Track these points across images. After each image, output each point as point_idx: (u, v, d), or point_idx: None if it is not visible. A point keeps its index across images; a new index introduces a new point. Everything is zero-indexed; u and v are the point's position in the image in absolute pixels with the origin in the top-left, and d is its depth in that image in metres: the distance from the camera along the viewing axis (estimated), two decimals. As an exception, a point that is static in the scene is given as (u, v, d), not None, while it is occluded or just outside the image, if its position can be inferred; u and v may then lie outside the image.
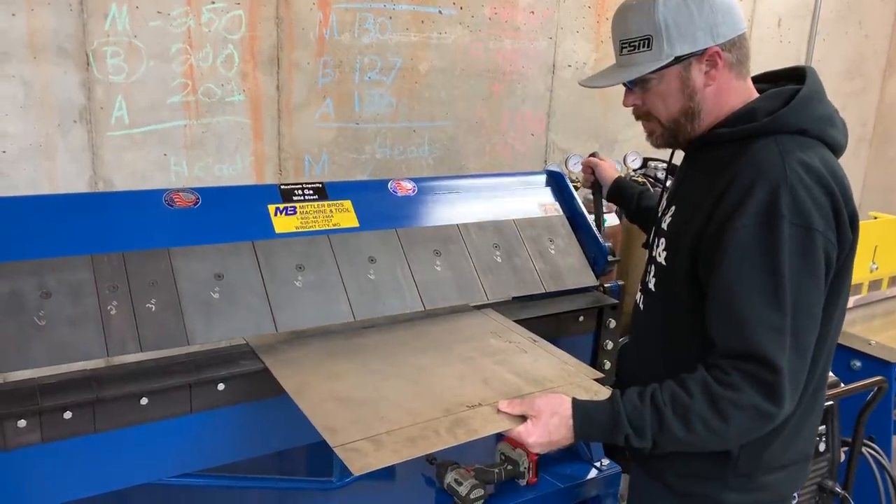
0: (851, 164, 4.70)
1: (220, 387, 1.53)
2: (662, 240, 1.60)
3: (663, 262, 1.58)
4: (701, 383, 1.38)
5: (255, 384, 1.56)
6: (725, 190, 1.41)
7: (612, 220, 3.04)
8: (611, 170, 2.25)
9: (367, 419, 1.38)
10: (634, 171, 3.23)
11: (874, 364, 2.50)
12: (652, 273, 1.64)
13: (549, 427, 1.42)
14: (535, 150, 3.40)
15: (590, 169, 2.28)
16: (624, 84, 1.54)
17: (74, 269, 1.50)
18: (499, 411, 1.45)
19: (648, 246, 1.72)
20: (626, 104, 1.59)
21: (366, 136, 2.88)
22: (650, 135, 1.60)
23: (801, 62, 4.15)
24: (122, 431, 1.47)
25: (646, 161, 3.29)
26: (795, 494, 2.04)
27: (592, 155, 2.34)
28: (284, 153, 2.70)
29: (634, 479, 1.76)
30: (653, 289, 1.63)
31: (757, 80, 1.59)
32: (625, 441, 1.41)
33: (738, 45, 1.48)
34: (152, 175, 2.42)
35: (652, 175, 3.20)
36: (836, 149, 1.49)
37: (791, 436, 1.54)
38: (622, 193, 2.19)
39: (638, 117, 1.59)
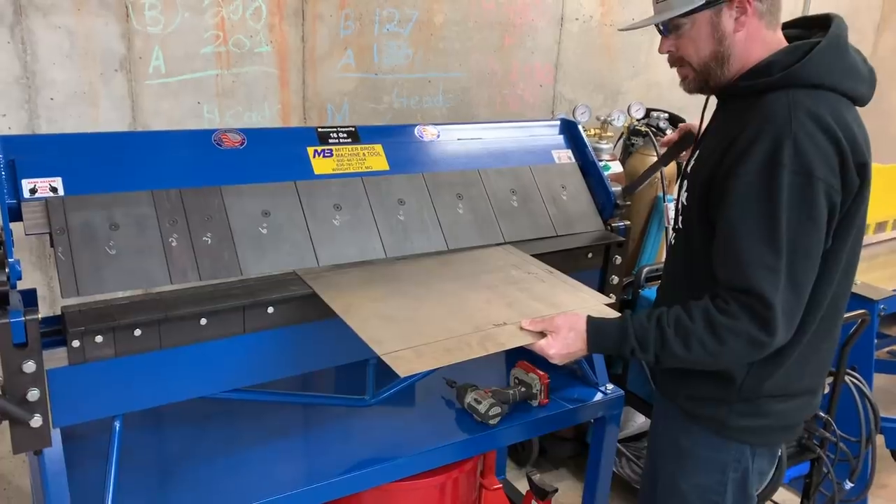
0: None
1: (270, 310, 1.70)
2: (686, 182, 1.75)
3: (684, 202, 1.74)
4: (703, 309, 1.53)
5: (301, 308, 1.73)
6: (734, 139, 1.53)
7: (615, 167, 3.21)
8: None
9: (407, 333, 1.56)
10: (638, 120, 3.39)
11: (858, 303, 2.69)
12: (680, 212, 1.80)
13: (567, 340, 1.61)
14: (544, 101, 3.53)
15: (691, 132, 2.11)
16: (659, 31, 1.66)
17: (138, 204, 1.66)
18: (522, 329, 1.63)
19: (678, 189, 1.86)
20: (661, 50, 1.70)
21: (384, 86, 3.01)
22: (683, 80, 1.71)
23: (799, 14, 4.25)
24: (184, 349, 1.65)
25: (648, 111, 3.45)
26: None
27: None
28: (309, 102, 2.84)
29: (655, 401, 1.92)
30: (680, 226, 1.78)
31: (791, 25, 1.69)
32: (631, 354, 1.59)
33: None
34: (187, 122, 2.56)
35: (654, 124, 3.36)
36: (857, 99, 1.58)
37: (796, 368, 1.66)
38: None
39: (672, 64, 1.70)
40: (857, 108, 1.60)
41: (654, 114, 3.42)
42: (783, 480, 2.28)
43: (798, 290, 1.50)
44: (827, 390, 2.57)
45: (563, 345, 1.61)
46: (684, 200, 1.74)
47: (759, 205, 1.47)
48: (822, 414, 2.46)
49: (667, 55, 1.70)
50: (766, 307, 1.47)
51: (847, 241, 1.59)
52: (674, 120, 3.43)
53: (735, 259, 1.51)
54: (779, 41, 1.62)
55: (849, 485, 2.68)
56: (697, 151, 1.75)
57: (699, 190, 1.63)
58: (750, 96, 1.57)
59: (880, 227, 3.47)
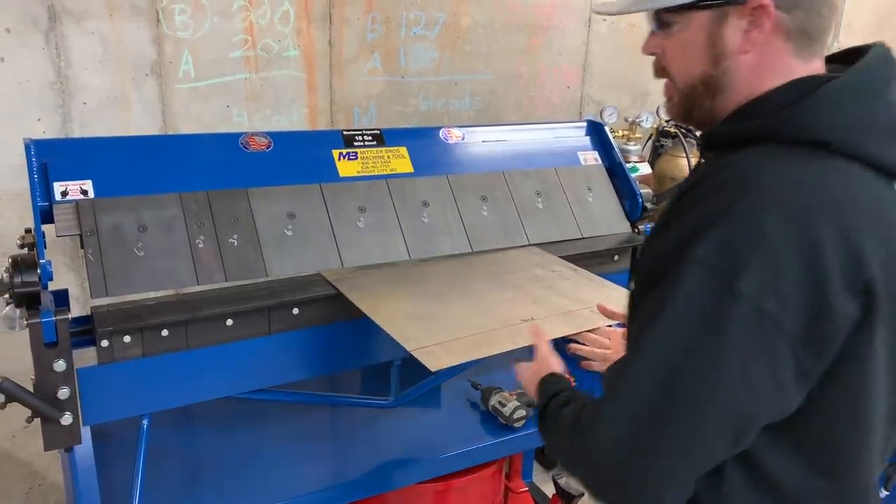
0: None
1: (295, 311, 1.72)
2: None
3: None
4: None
5: (326, 309, 1.75)
6: (668, 210, 1.09)
7: (644, 169, 3.18)
8: None
9: (436, 330, 1.57)
10: (666, 122, 3.35)
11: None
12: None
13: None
14: (571, 103, 3.52)
15: None
16: (651, 24, 1.15)
17: (166, 206, 1.69)
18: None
19: None
20: (644, 50, 1.18)
21: (411, 89, 3.03)
22: (668, 101, 1.19)
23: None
24: (210, 349, 1.67)
25: (678, 113, 3.41)
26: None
27: None
28: (336, 105, 2.86)
29: None
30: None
31: (831, 59, 1.12)
32: (537, 394, 1.29)
33: (806, 8, 1.03)
34: (216, 125, 2.60)
35: (683, 126, 3.32)
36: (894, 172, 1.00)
37: None
38: None
39: (656, 73, 1.19)
40: None
41: (684, 115, 3.38)
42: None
43: (657, 437, 0.97)
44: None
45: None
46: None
47: (655, 299, 1.00)
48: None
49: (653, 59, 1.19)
50: (593, 419, 1.02)
51: (848, 394, 1.00)
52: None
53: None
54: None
55: (884, 493, 2.62)
56: None
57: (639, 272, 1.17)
58: (728, 146, 1.07)
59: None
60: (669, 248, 1.00)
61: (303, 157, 1.90)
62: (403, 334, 1.54)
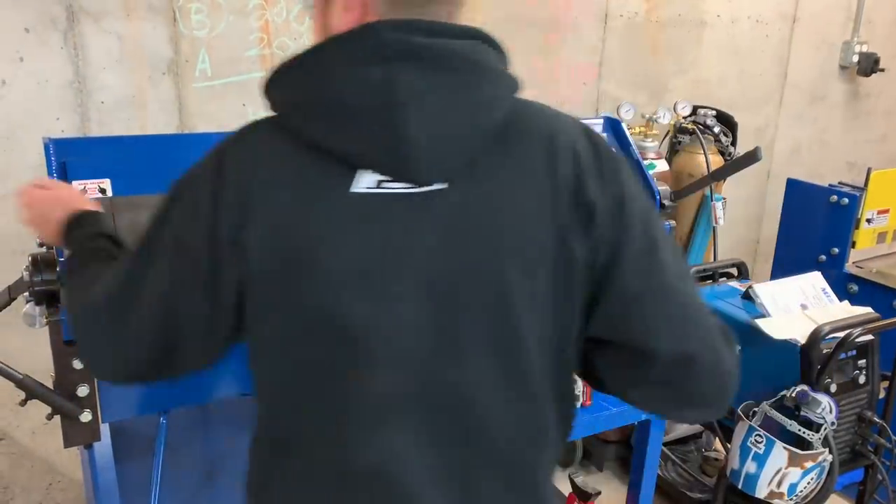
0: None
1: (312, 309, 1.72)
2: None
3: None
4: None
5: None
6: None
7: (661, 165, 3.16)
8: None
9: None
10: (684, 118, 3.33)
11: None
12: None
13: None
14: (587, 100, 3.50)
15: None
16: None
17: (183, 205, 1.70)
18: None
19: None
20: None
21: (426, 86, 3.02)
22: None
23: (853, 12, 4.13)
24: (228, 347, 1.67)
25: (695, 108, 3.38)
26: (835, 421, 2.17)
27: None
28: (351, 103, 2.86)
29: None
30: None
31: None
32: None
33: None
34: (232, 124, 2.56)
35: (701, 122, 3.30)
36: (357, 162, 0.95)
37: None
38: None
39: None
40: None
41: (702, 111, 3.35)
42: (835, 488, 2.22)
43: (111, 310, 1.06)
44: (882, 395, 2.49)
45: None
46: None
47: None
48: (876, 419, 2.38)
49: None
50: None
51: (268, 331, 1.05)
52: (722, 117, 3.36)
53: None
54: None
55: (907, 491, 2.59)
56: None
57: None
58: None
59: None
60: None
61: (319, 154, 1.90)
62: None
